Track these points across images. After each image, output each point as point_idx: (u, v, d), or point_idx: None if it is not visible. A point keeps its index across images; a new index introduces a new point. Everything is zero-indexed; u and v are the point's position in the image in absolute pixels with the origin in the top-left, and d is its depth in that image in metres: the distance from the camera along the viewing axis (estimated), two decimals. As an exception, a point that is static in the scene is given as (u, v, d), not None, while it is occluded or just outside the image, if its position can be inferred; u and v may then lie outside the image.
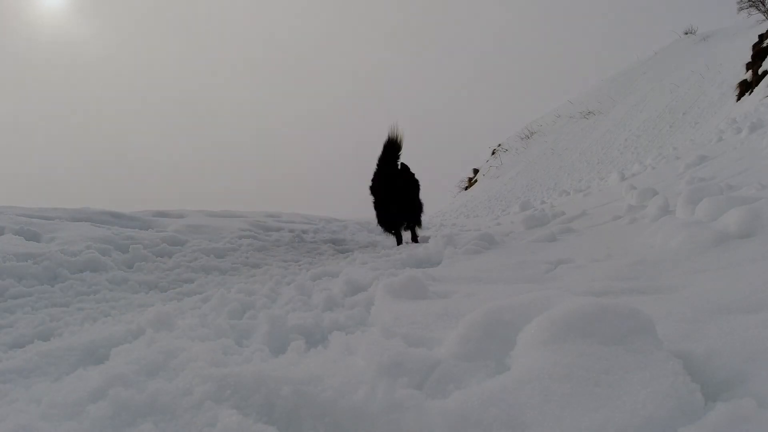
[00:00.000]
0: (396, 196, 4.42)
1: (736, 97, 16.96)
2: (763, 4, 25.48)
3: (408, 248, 4.03)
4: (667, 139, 17.44)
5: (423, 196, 4.82)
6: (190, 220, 4.78)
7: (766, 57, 16.17)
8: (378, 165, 4.57)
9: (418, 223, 4.69)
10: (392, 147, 4.54)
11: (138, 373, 1.08)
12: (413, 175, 4.69)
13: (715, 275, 1.59)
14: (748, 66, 17.52)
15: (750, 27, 24.32)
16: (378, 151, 4.58)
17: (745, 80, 17.13)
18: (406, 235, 4.74)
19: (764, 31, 18.94)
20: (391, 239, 4.59)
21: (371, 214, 4.87)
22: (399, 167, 4.60)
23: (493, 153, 29.22)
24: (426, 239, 4.62)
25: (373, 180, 4.57)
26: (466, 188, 28.07)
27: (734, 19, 27.95)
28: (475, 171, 29.35)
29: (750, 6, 26.26)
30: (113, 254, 3.03)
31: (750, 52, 18.09)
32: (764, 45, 17.37)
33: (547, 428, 0.73)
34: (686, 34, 31.60)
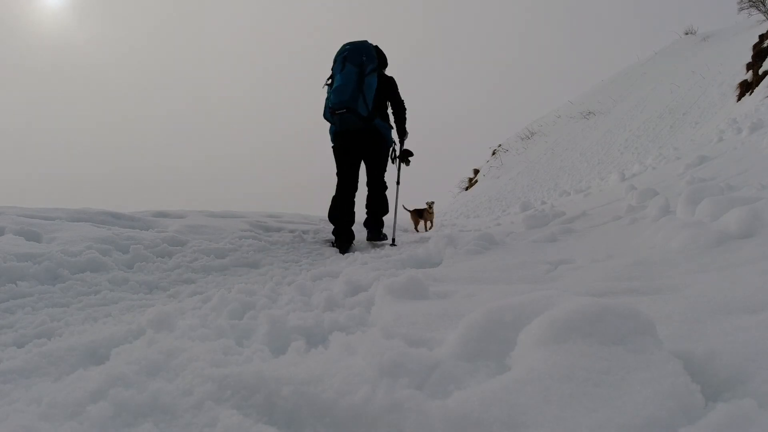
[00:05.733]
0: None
1: (736, 98, 16.96)
2: (764, 5, 25.48)
3: (408, 248, 4.03)
4: (667, 140, 17.44)
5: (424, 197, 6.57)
6: (190, 220, 4.78)
7: (766, 57, 16.17)
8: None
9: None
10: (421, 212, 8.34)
11: (138, 374, 1.08)
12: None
13: (715, 275, 1.59)
14: (749, 66, 17.52)
15: (750, 27, 24.33)
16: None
17: (746, 80, 17.12)
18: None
19: (764, 31, 18.93)
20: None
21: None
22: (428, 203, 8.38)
23: (494, 153, 29.22)
24: (426, 239, 4.65)
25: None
26: (467, 188, 28.06)
27: (734, 19, 28.00)
28: (476, 171, 29.35)
29: (750, 6, 26.29)
30: (114, 254, 3.03)
31: (750, 53, 18.09)
32: (764, 45, 17.36)
33: (547, 428, 0.73)
34: (686, 34, 31.61)
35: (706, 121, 16.84)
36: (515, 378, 0.85)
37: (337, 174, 4.53)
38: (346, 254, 4.06)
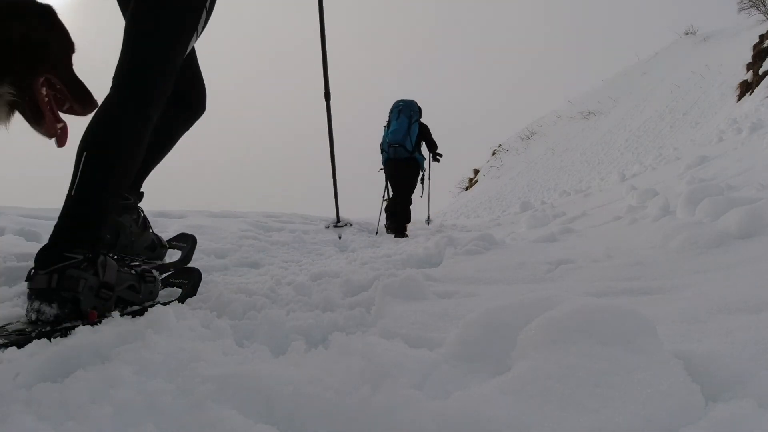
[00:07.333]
0: None
1: (736, 98, 16.95)
2: (764, 5, 25.48)
3: (408, 248, 4.04)
4: (667, 140, 17.43)
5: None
6: (190, 220, 4.78)
7: (766, 57, 16.16)
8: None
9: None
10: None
11: (138, 374, 1.08)
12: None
13: (715, 276, 1.59)
14: (749, 66, 17.51)
15: (750, 27, 24.31)
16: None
17: (746, 80, 17.12)
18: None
19: (765, 31, 18.93)
20: (390, 242, 5.69)
21: (372, 215, 7.42)
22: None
23: (494, 153, 29.22)
24: (426, 239, 4.68)
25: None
26: (467, 188, 28.06)
27: (734, 19, 27.98)
28: (476, 171, 29.34)
29: (750, 6, 26.28)
30: (114, 255, 3.03)
31: (750, 53, 18.09)
32: (765, 45, 17.36)
33: (547, 429, 0.73)
34: (686, 34, 31.56)
35: (706, 121, 16.84)
36: (515, 378, 0.85)
37: (391, 187, 7.09)
38: (346, 254, 4.09)
